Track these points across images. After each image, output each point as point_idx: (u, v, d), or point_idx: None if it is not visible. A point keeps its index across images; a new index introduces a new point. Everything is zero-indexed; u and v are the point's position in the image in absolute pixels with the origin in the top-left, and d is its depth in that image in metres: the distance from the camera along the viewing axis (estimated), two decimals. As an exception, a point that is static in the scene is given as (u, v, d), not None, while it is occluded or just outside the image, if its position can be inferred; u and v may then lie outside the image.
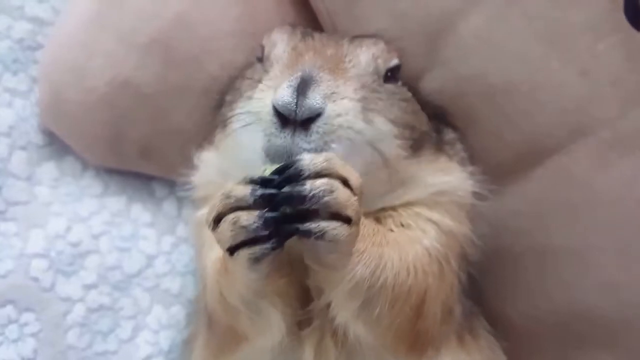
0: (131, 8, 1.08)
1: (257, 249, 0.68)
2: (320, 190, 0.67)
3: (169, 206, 1.22)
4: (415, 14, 0.99)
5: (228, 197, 0.69)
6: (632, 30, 0.91)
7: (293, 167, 0.68)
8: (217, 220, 0.70)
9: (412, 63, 0.95)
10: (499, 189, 0.94)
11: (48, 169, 1.15)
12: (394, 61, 0.89)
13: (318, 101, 0.75)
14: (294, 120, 0.74)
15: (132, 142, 1.13)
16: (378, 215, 0.85)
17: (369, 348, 0.82)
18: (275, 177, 0.69)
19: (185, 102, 1.09)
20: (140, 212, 1.19)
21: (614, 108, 0.94)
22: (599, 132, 0.95)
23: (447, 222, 0.87)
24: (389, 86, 0.88)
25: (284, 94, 0.74)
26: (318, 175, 0.68)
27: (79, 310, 1.11)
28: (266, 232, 0.67)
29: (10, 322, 1.06)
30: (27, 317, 1.08)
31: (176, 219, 1.21)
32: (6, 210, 1.10)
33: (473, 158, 0.97)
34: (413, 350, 0.82)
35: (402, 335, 0.80)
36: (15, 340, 1.06)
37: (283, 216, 0.67)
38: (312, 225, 0.67)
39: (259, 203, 0.68)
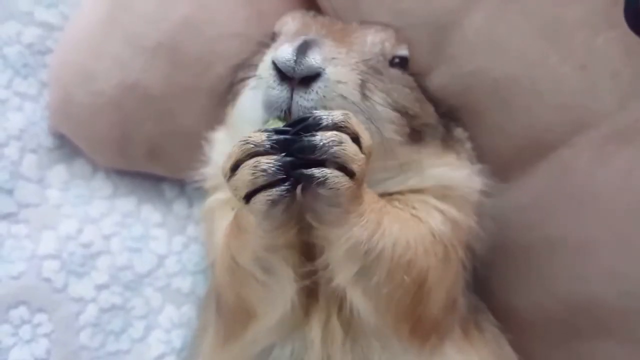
0: (138, 12, 1.09)
1: (274, 191, 0.69)
2: (330, 141, 0.69)
3: (179, 206, 1.23)
4: (419, 11, 1.01)
5: (246, 143, 0.71)
6: (630, 26, 0.93)
7: (311, 118, 0.70)
8: (234, 169, 0.72)
9: (418, 60, 0.97)
10: (503, 184, 0.95)
11: (58, 172, 1.16)
12: (404, 51, 0.91)
13: (317, 60, 0.77)
14: (292, 76, 0.76)
15: (140, 144, 1.14)
16: (386, 199, 0.86)
17: (374, 331, 0.83)
18: (289, 129, 0.71)
19: (193, 104, 1.10)
20: (150, 213, 1.20)
21: (613, 101, 0.95)
22: (598, 126, 0.96)
23: (453, 212, 0.87)
24: (394, 71, 0.89)
25: (284, 51, 0.76)
26: (332, 128, 0.70)
27: (91, 311, 1.11)
28: (284, 176, 0.70)
29: (24, 322, 1.07)
30: (40, 317, 1.08)
31: (186, 219, 1.22)
32: (18, 212, 1.11)
33: (480, 157, 0.98)
34: (415, 334, 0.82)
35: (403, 315, 0.81)
36: (28, 341, 1.07)
37: (298, 161, 0.70)
38: (316, 171, 0.69)
39: (275, 149, 0.70)
